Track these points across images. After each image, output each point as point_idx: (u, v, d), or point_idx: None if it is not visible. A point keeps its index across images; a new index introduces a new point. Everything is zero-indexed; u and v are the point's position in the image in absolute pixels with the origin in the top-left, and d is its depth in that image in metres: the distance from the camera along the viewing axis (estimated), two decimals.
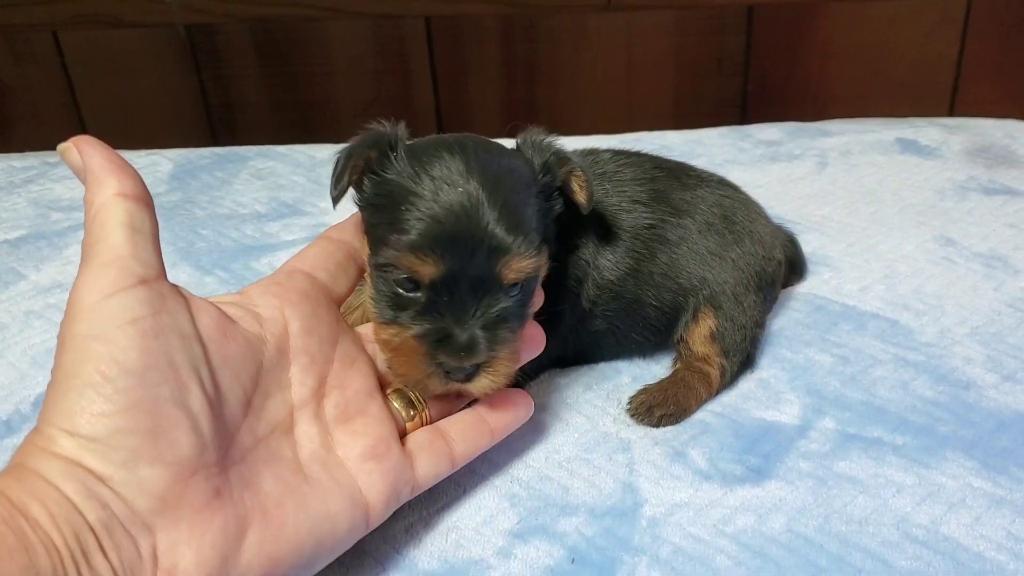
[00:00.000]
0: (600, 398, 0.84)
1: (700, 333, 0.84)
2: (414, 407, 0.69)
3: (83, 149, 0.57)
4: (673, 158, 0.93)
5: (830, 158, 1.27)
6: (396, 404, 0.69)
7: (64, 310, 0.53)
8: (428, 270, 0.64)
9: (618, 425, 0.80)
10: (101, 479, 0.49)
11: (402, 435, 0.68)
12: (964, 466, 0.74)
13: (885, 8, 1.56)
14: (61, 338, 0.52)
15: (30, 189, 1.25)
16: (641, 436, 0.79)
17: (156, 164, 1.30)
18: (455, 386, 0.67)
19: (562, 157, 0.73)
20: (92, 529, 0.48)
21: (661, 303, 0.85)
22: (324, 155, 1.33)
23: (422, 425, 0.70)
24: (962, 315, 0.94)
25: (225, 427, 0.56)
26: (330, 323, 0.66)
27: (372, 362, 0.69)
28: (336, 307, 0.68)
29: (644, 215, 0.84)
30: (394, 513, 0.69)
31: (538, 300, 0.73)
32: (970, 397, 0.82)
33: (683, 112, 1.67)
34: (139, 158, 1.32)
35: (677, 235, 0.85)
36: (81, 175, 0.57)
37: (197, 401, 0.53)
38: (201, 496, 0.52)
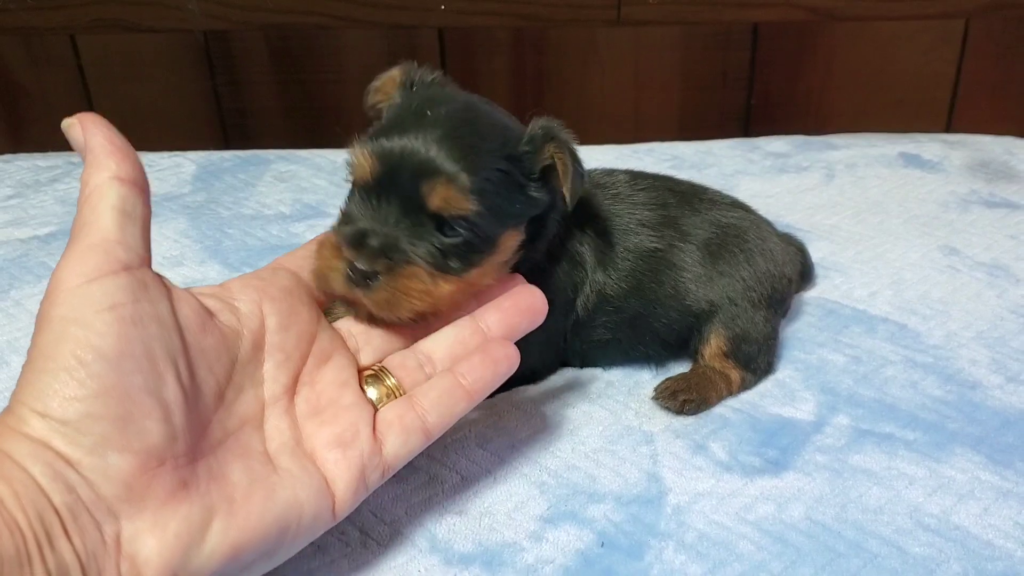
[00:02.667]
0: (622, 393, 0.87)
1: (712, 352, 0.87)
2: (390, 393, 0.67)
3: (87, 126, 0.56)
4: (684, 168, 0.96)
5: (837, 170, 1.31)
6: (372, 390, 0.67)
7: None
8: (364, 170, 0.68)
9: (640, 419, 0.83)
10: (69, 463, 0.49)
11: None
12: (972, 460, 0.78)
13: (885, 27, 1.60)
14: (39, 318, 0.51)
15: (56, 188, 1.27)
16: (663, 429, 0.82)
17: (179, 165, 1.33)
18: (355, 292, 0.66)
19: (551, 134, 0.73)
20: (57, 512, 0.48)
21: (669, 321, 0.88)
22: (345, 160, 1.36)
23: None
24: (967, 320, 0.98)
25: (198, 418, 0.56)
26: (308, 320, 0.66)
27: (352, 357, 0.68)
28: (316, 305, 0.68)
29: (651, 238, 0.86)
30: (427, 500, 0.72)
31: (481, 274, 0.72)
32: (976, 396, 0.86)
33: (688, 124, 1.70)
34: (162, 159, 1.35)
35: (683, 259, 0.87)
36: (82, 152, 0.57)
37: (171, 391, 0.53)
38: (168, 486, 0.52)
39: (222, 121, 1.73)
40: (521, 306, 0.72)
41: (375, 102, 0.77)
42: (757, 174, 1.30)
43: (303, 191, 1.27)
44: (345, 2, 1.58)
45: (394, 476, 0.73)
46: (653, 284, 0.86)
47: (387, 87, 0.76)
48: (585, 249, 0.84)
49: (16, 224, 1.17)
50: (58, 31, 1.65)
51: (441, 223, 0.68)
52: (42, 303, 0.52)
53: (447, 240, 0.68)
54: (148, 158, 1.36)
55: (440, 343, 0.70)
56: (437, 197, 0.67)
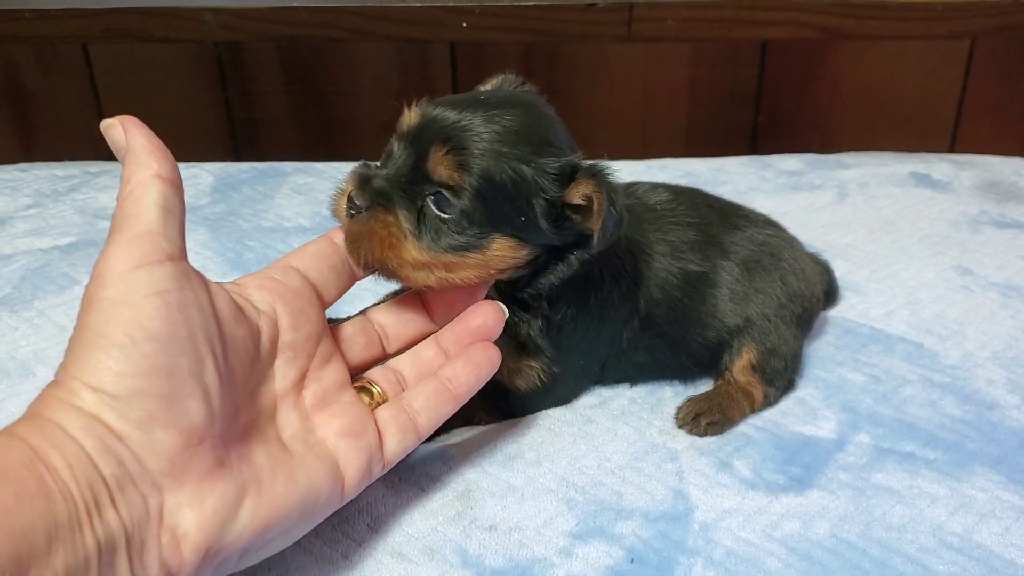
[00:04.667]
0: (645, 411, 0.88)
1: (742, 365, 0.88)
2: (378, 399, 0.71)
3: (128, 128, 0.60)
4: (698, 185, 0.97)
5: (849, 189, 1.33)
6: (363, 396, 0.71)
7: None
8: (403, 121, 0.72)
9: (664, 436, 0.84)
10: (118, 436, 0.52)
11: None
12: (992, 480, 0.79)
13: (892, 46, 1.61)
14: (86, 300, 0.55)
15: (74, 198, 1.28)
16: (687, 447, 0.83)
17: (196, 176, 1.34)
18: (345, 219, 0.70)
19: (594, 171, 0.71)
20: (106, 483, 0.51)
21: (706, 340, 0.89)
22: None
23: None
24: (982, 340, 0.99)
25: (230, 403, 0.59)
26: (316, 321, 0.68)
27: (344, 359, 0.71)
28: (322, 306, 0.70)
29: (696, 262, 0.87)
30: (457, 516, 0.73)
31: (460, 264, 0.71)
32: (994, 416, 0.88)
33: (695, 140, 1.71)
34: (180, 170, 1.35)
35: (725, 278, 0.88)
36: (121, 152, 0.60)
37: (211, 375, 0.56)
38: (206, 464, 0.55)
39: (233, 132, 1.74)
40: (471, 326, 0.74)
41: None
42: (771, 192, 1.32)
43: (321, 203, 1.27)
44: (358, 15, 1.59)
45: (422, 491, 0.75)
46: (696, 303, 0.87)
47: None
48: (630, 276, 0.84)
49: (37, 234, 1.17)
50: (70, 40, 1.66)
51: (439, 198, 0.70)
52: (88, 287, 0.55)
53: (437, 212, 0.70)
54: None
55: (406, 362, 0.74)
56: (436, 162, 0.69)
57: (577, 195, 0.72)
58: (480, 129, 0.69)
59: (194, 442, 0.54)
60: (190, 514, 0.54)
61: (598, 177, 0.71)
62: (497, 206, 0.70)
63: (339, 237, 0.72)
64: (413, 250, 0.70)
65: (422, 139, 0.70)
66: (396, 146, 0.72)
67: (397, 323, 0.76)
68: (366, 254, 0.70)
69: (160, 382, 0.53)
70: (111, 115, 0.62)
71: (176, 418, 0.54)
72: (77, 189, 1.30)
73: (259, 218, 1.22)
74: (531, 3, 1.55)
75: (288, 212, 1.24)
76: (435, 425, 0.72)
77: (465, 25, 1.56)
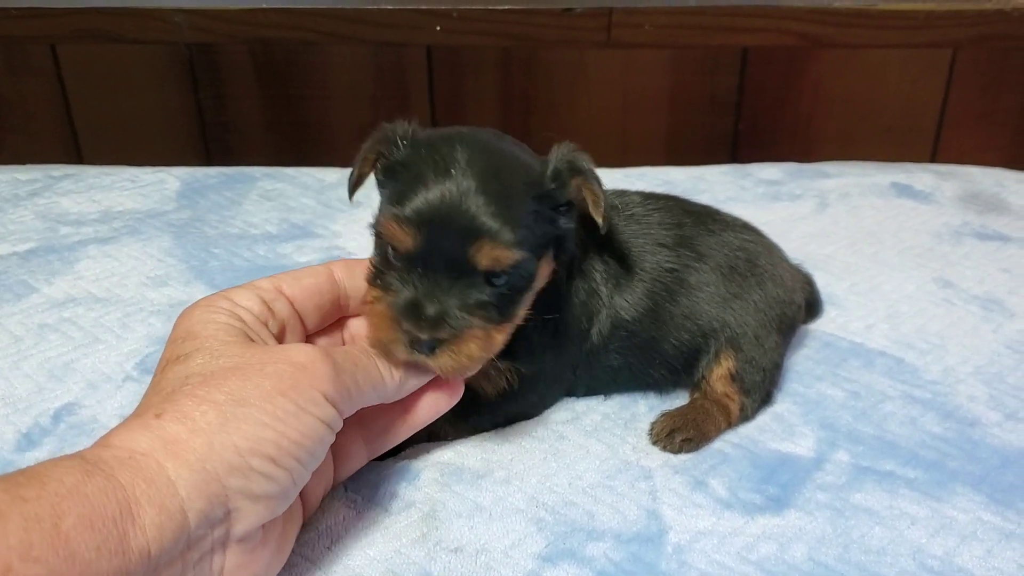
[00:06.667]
0: (619, 427, 0.85)
1: (720, 373, 0.86)
2: None
3: None
4: (677, 194, 0.95)
5: (830, 199, 1.31)
6: None
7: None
8: (405, 241, 0.68)
9: (638, 453, 0.82)
10: (225, 498, 0.56)
11: None
12: (973, 500, 0.77)
13: (874, 55, 1.60)
14: (275, 370, 0.61)
15: (36, 202, 1.24)
16: (661, 464, 0.80)
17: (163, 182, 1.30)
18: (419, 357, 0.69)
19: (576, 168, 0.74)
20: (189, 542, 0.54)
21: (680, 343, 0.86)
22: (333, 178, 1.34)
23: None
24: (964, 355, 0.97)
25: None
26: None
27: None
28: (303, 333, 0.74)
29: (667, 258, 0.86)
30: (422, 537, 0.71)
31: (524, 309, 0.74)
32: (976, 434, 0.85)
33: (675, 148, 1.70)
34: (145, 174, 1.32)
35: (699, 279, 0.86)
36: None
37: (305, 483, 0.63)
38: (262, 534, 0.61)
39: (205, 135, 1.71)
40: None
41: (363, 173, 0.76)
42: (750, 201, 1.30)
43: (290, 210, 1.25)
44: (332, 18, 1.56)
45: (385, 511, 0.73)
46: (668, 305, 0.85)
47: (370, 162, 0.76)
48: (600, 275, 0.83)
49: None
50: (39, 40, 1.62)
51: (488, 275, 0.69)
52: (297, 371, 0.61)
53: (494, 290, 0.70)
54: (130, 172, 1.33)
55: None
56: (486, 258, 0.68)
57: (571, 193, 0.74)
58: (488, 203, 0.68)
59: (269, 520, 0.60)
60: (245, 574, 0.59)
61: (583, 173, 0.74)
62: (534, 247, 0.71)
63: (340, 272, 0.75)
64: (499, 336, 0.72)
65: (445, 245, 0.68)
66: (408, 262, 0.69)
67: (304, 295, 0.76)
68: (472, 371, 0.72)
69: (289, 482, 0.60)
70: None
71: (277, 506, 0.59)
72: (39, 194, 1.26)
73: (225, 225, 1.19)
74: (507, 7, 1.53)
75: (255, 219, 1.21)
76: (389, 446, 0.76)
77: (439, 29, 1.53)
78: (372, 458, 0.76)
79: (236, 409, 0.57)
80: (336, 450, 0.72)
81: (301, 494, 0.67)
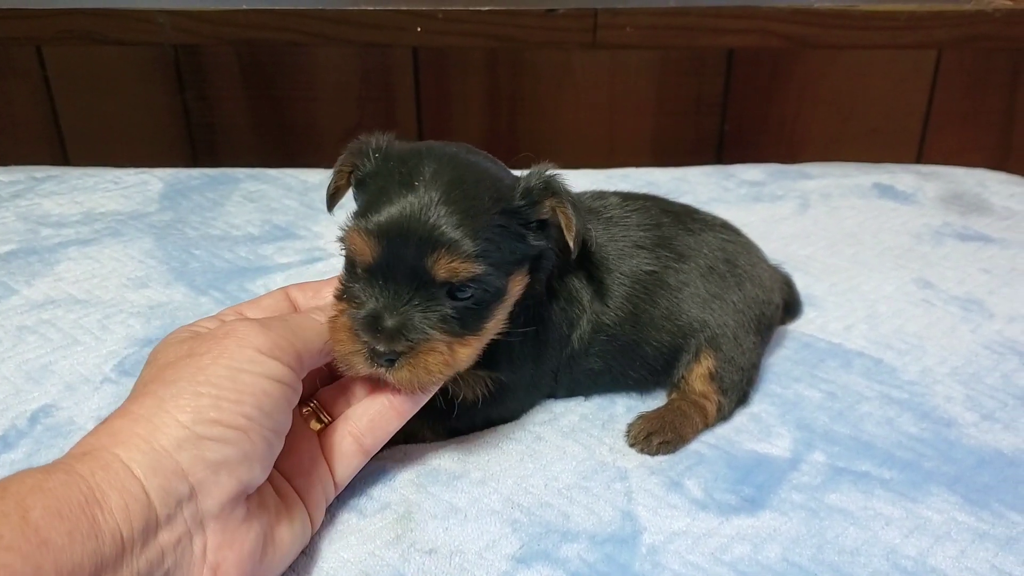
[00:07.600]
0: (596, 427, 0.85)
1: (700, 372, 0.86)
2: (321, 421, 0.74)
3: None
4: (659, 195, 0.95)
5: (811, 200, 1.31)
6: (313, 423, 0.74)
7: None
8: (367, 253, 0.69)
9: (614, 454, 0.82)
10: (184, 473, 0.57)
11: None
12: (948, 500, 0.77)
13: (859, 56, 1.60)
14: (211, 351, 0.62)
15: (18, 204, 1.24)
16: (637, 465, 0.80)
17: (146, 183, 1.30)
18: (379, 371, 0.69)
19: (551, 188, 0.73)
20: (158, 521, 0.56)
21: (660, 344, 0.86)
22: (316, 179, 1.34)
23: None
24: (942, 355, 0.97)
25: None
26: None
27: None
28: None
29: (646, 260, 0.86)
30: (396, 539, 0.71)
31: (495, 324, 0.74)
32: (952, 434, 0.86)
33: (661, 149, 1.70)
34: (128, 176, 1.31)
35: (679, 280, 0.86)
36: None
37: (276, 451, 0.64)
38: (243, 511, 0.61)
39: (190, 136, 1.71)
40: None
41: (340, 186, 0.77)
42: (732, 202, 1.30)
43: (273, 212, 1.24)
44: (318, 19, 1.56)
45: (360, 513, 0.73)
46: (648, 306, 0.85)
47: (344, 175, 0.76)
48: (580, 280, 0.83)
49: None
50: (24, 41, 1.62)
51: (451, 288, 0.69)
52: (223, 339, 0.63)
53: (459, 303, 0.70)
54: (113, 174, 1.33)
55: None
56: (443, 269, 0.68)
57: (544, 212, 0.74)
58: (450, 215, 0.68)
59: (243, 494, 0.61)
60: (231, 555, 0.60)
61: (557, 194, 0.73)
62: (500, 262, 0.71)
63: (294, 292, 0.77)
64: (463, 351, 0.71)
65: (405, 257, 0.68)
66: (369, 274, 0.69)
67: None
68: (431, 385, 0.72)
69: (245, 442, 0.60)
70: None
71: (241, 473, 0.60)
72: (21, 195, 1.26)
73: (207, 226, 1.19)
74: (491, 8, 1.53)
75: (238, 220, 1.21)
76: (381, 443, 0.74)
77: (420, 30, 1.53)
78: (370, 456, 0.74)
79: (169, 389, 0.60)
80: (326, 450, 0.72)
81: (303, 500, 0.69)
